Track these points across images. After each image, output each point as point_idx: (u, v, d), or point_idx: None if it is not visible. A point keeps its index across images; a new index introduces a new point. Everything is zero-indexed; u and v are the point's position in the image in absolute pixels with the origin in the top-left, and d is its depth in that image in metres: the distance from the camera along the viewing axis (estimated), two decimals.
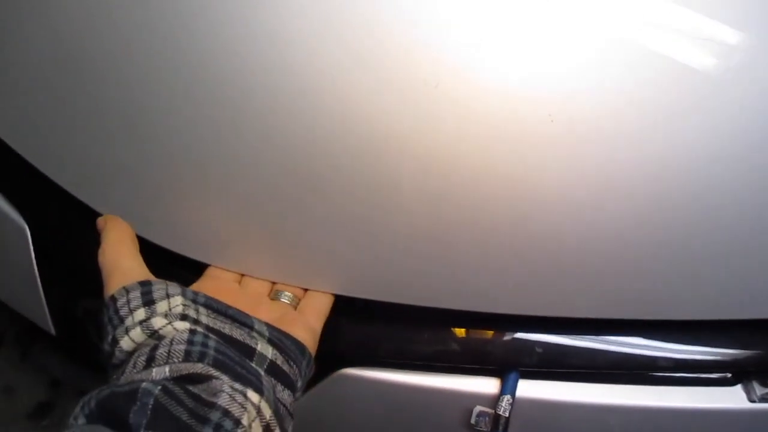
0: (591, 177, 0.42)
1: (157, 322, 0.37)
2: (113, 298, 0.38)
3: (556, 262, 0.44)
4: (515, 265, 0.44)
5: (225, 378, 0.35)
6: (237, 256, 0.47)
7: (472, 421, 0.49)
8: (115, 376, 0.37)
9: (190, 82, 0.42)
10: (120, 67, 0.44)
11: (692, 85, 0.40)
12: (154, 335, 0.37)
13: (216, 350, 0.36)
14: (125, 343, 0.37)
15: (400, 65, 0.40)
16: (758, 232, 0.44)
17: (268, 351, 0.39)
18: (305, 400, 0.51)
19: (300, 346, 0.42)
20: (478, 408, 0.49)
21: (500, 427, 0.47)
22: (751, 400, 0.49)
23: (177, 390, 0.33)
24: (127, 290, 0.38)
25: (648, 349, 0.49)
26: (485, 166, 0.41)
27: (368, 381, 0.50)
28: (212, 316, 0.39)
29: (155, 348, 0.36)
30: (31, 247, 0.53)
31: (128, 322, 0.37)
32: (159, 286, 0.39)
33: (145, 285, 0.39)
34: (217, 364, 0.35)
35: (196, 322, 0.38)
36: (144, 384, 0.32)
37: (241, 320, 0.40)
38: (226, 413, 0.33)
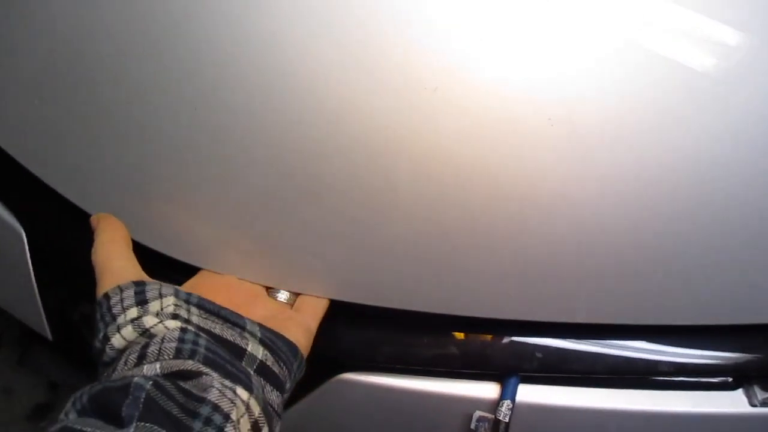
0: (591, 181, 0.41)
1: (149, 321, 0.38)
2: (107, 296, 0.39)
3: (557, 266, 0.44)
4: (515, 270, 0.44)
5: (215, 375, 0.35)
6: (231, 260, 0.47)
7: (472, 426, 0.48)
8: (105, 374, 0.37)
9: (184, 86, 0.42)
10: (114, 71, 0.43)
11: (695, 88, 0.40)
12: (146, 333, 0.37)
13: (206, 348, 0.37)
14: (116, 341, 0.37)
15: (398, 68, 0.40)
16: (759, 236, 0.43)
17: (259, 351, 0.40)
18: (304, 404, 0.51)
19: (292, 348, 0.42)
20: (478, 413, 0.48)
21: None
22: (753, 405, 0.49)
23: (168, 385, 0.33)
24: (121, 289, 0.39)
25: (649, 354, 0.48)
26: (484, 169, 0.41)
27: (367, 386, 0.50)
28: (204, 316, 0.40)
29: (146, 346, 0.36)
30: (28, 252, 0.53)
31: (120, 320, 0.38)
32: (153, 286, 0.39)
33: (139, 285, 0.39)
34: (208, 362, 0.36)
35: (187, 321, 0.39)
36: (136, 379, 0.33)
37: (233, 320, 0.41)
38: (216, 408, 0.33)
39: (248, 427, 0.35)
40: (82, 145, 0.46)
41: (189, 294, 0.41)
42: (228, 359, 0.37)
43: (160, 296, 0.39)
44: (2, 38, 0.46)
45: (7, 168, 0.50)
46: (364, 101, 0.40)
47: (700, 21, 0.40)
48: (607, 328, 0.48)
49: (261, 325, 0.42)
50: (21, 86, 0.47)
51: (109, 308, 0.38)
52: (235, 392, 0.35)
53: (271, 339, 0.41)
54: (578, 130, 0.40)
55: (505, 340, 0.48)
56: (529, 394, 0.49)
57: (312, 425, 0.53)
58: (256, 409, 0.36)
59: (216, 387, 0.34)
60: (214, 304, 0.41)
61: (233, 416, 0.33)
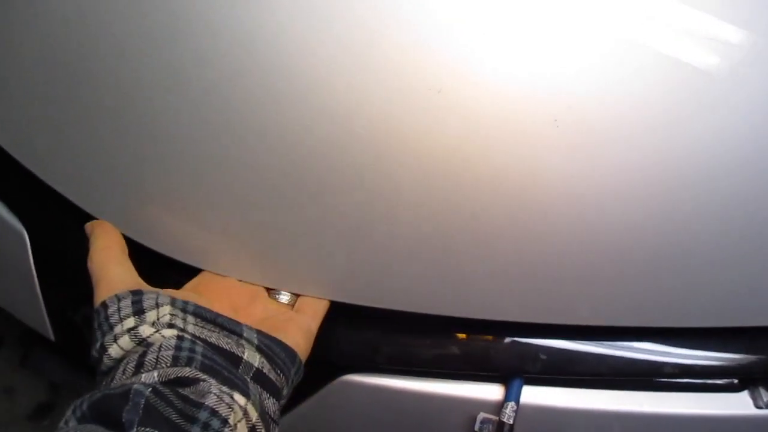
0: (596, 182, 0.41)
1: (145, 331, 0.38)
2: (104, 305, 0.39)
3: (561, 268, 0.44)
4: (520, 271, 0.44)
5: (213, 381, 0.36)
6: (231, 261, 0.47)
7: (476, 428, 0.48)
8: (104, 383, 0.38)
9: (186, 86, 0.42)
10: (116, 72, 0.43)
11: (701, 87, 0.40)
12: (142, 343, 0.38)
13: (203, 355, 0.37)
14: (113, 351, 0.38)
15: (403, 70, 0.40)
16: (765, 238, 0.43)
17: (255, 359, 0.40)
18: (307, 406, 0.51)
19: (290, 353, 0.42)
20: (482, 415, 0.48)
21: None
22: (758, 407, 0.49)
23: (166, 392, 0.34)
24: (118, 298, 0.39)
25: (654, 355, 0.48)
26: (488, 170, 0.41)
27: (370, 387, 0.50)
28: (200, 325, 0.40)
29: (144, 354, 0.37)
30: (30, 253, 0.53)
31: (117, 329, 0.38)
32: (149, 296, 0.40)
33: (136, 294, 0.40)
34: (205, 369, 0.36)
35: (183, 330, 0.39)
36: (135, 385, 0.33)
37: (230, 328, 0.41)
38: (214, 413, 0.34)
39: (246, 431, 0.35)
40: (84, 146, 0.46)
41: (186, 302, 0.41)
42: (225, 366, 0.38)
43: (157, 306, 0.39)
44: (3, 38, 0.46)
45: (9, 169, 0.50)
46: (368, 102, 0.40)
47: (706, 20, 0.40)
48: (612, 330, 0.48)
49: (258, 332, 0.42)
50: (23, 87, 0.47)
51: (107, 317, 0.39)
52: (232, 397, 0.35)
53: (269, 345, 0.41)
54: (584, 131, 0.40)
55: (509, 341, 0.48)
56: (533, 395, 0.48)
57: (315, 427, 0.53)
58: (254, 415, 0.36)
59: (214, 392, 0.35)
60: (211, 312, 0.41)
61: (231, 421, 0.34)
